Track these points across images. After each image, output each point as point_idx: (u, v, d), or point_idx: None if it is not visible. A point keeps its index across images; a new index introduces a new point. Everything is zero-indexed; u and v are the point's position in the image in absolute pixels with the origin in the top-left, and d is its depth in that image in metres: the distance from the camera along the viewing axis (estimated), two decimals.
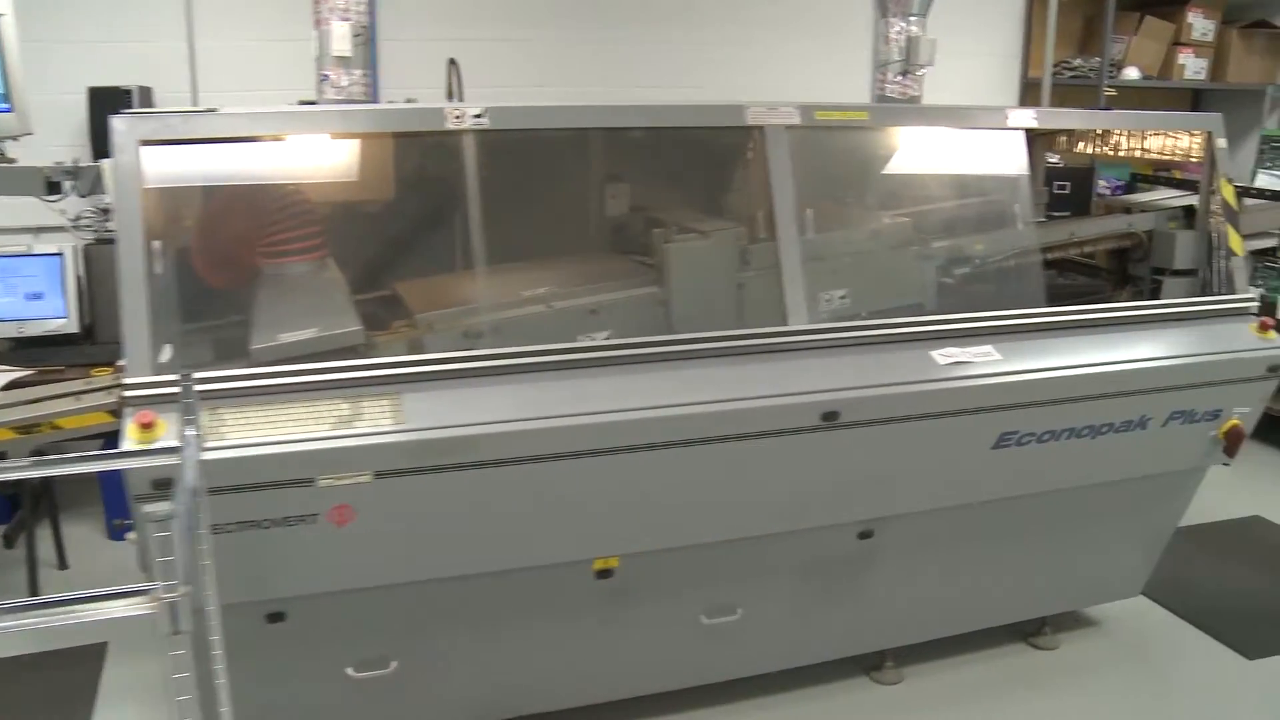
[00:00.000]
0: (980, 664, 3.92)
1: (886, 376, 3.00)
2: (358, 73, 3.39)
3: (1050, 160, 6.09)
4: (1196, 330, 3.47)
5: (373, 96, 5.45)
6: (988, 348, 3.15)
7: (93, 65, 5.05)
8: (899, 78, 3.87)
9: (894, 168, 3.43)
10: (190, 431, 2.34)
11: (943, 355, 3.10)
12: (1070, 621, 4.17)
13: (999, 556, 3.64)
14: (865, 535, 3.32)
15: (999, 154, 3.42)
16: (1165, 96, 6.88)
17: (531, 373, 2.85)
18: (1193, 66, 6.39)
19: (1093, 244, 3.77)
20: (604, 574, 3.10)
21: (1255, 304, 3.59)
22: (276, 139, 2.91)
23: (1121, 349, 3.30)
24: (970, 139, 3.45)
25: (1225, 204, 3.60)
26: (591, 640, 3.26)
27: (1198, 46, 6.38)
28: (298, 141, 2.95)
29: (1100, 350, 3.27)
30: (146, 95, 5.04)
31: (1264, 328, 3.51)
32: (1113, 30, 6.38)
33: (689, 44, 5.99)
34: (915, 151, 3.42)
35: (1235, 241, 3.60)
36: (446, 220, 3.20)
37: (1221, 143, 3.63)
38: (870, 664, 3.80)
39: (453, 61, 3.96)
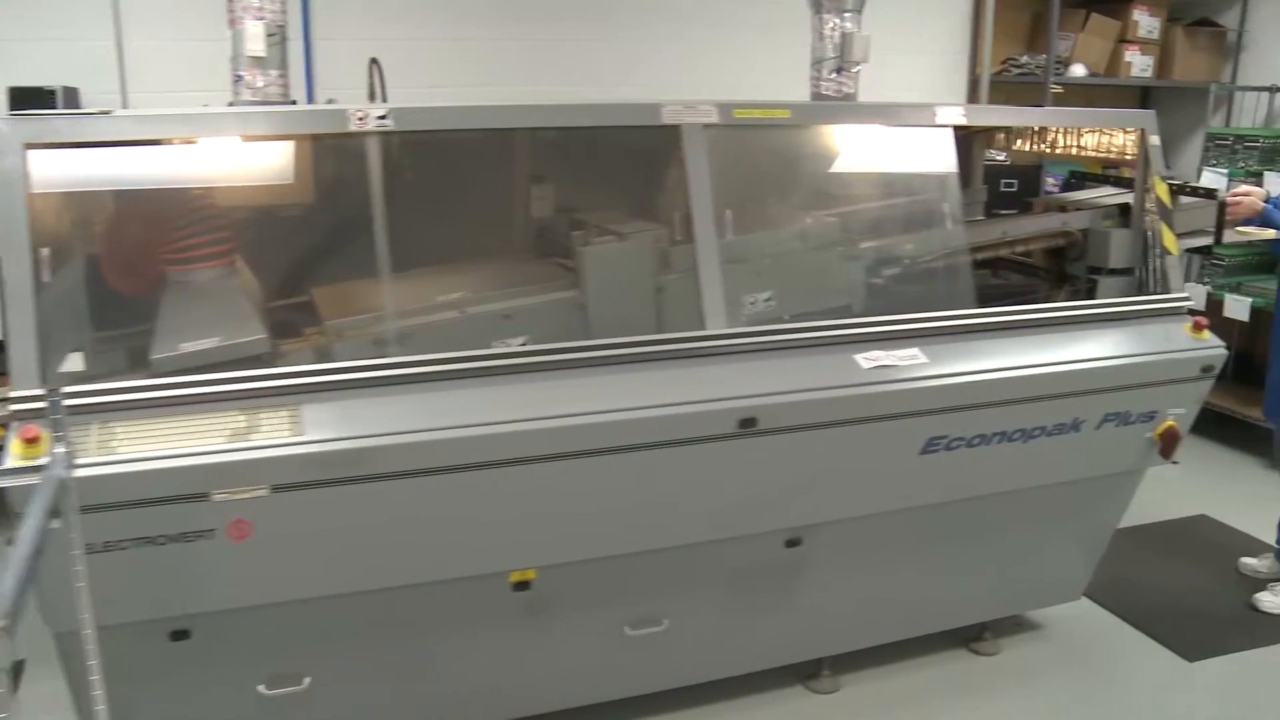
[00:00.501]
0: (919, 671, 3.83)
1: (806, 381, 2.89)
2: (274, 73, 3.26)
3: (996, 158, 6.02)
4: (1130, 331, 3.38)
5: (305, 97, 5.37)
6: (914, 350, 3.05)
7: (16, 64, 4.89)
8: (833, 75, 3.76)
9: (820, 167, 3.32)
10: (58, 449, 2.20)
11: (867, 359, 2.99)
12: (1011, 626, 4.08)
13: (935, 562, 3.55)
14: (793, 543, 3.22)
15: (928, 152, 3.32)
16: (1113, 94, 6.81)
17: (440, 381, 2.75)
18: (1139, 64, 6.32)
19: (1026, 243, 3.67)
20: (521, 586, 2.99)
21: (1190, 303, 3.50)
22: (181, 142, 2.78)
23: (1053, 350, 3.21)
24: (898, 136, 3.35)
25: (1159, 202, 3.51)
26: (512, 653, 3.14)
27: (1144, 44, 6.32)
28: (202, 145, 2.81)
29: (1031, 352, 3.18)
30: (72, 96, 4.88)
31: (1198, 327, 3.42)
32: (1060, 27, 6.31)
33: (633, 42, 5.88)
34: (842, 150, 3.31)
35: (1169, 240, 3.51)
36: (358, 225, 3.06)
37: (1155, 140, 3.54)
38: (806, 672, 3.70)
39: (374, 61, 3.83)
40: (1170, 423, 3.45)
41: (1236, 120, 6.44)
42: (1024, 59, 6.19)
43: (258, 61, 3.20)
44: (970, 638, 3.96)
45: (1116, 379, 3.25)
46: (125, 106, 5.03)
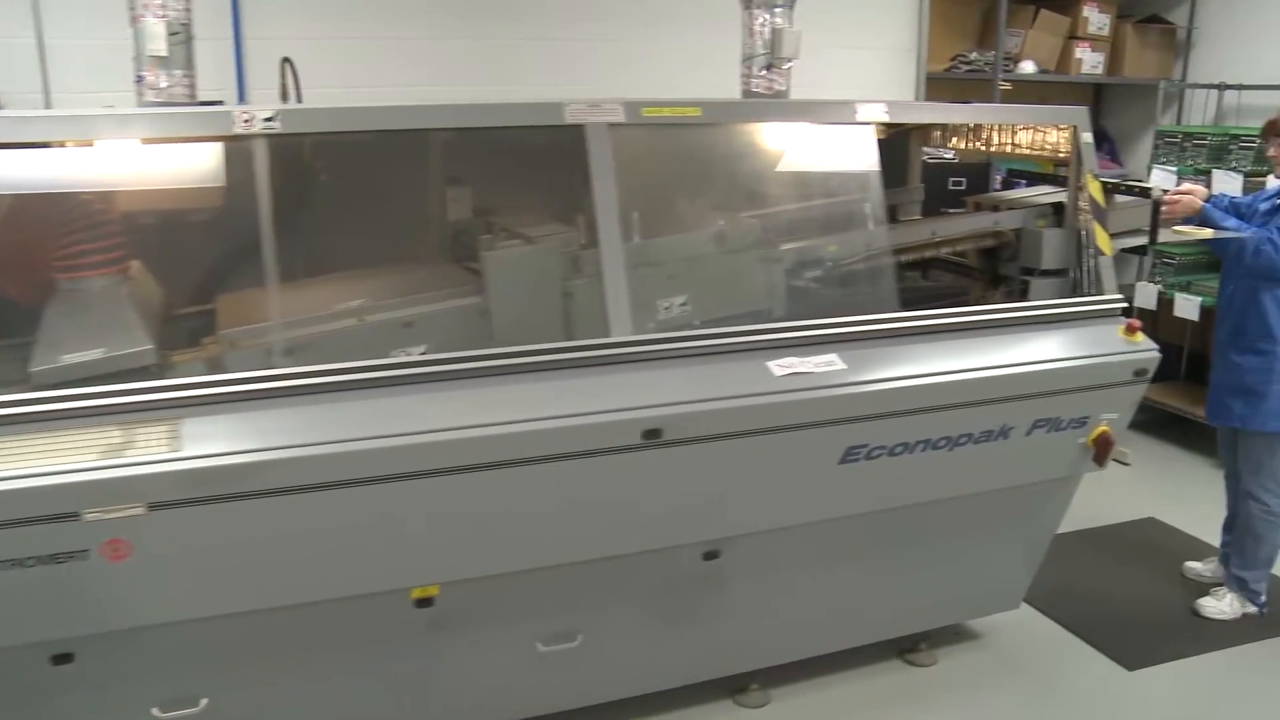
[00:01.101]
0: (853, 683, 3.69)
1: (715, 390, 2.75)
2: (179, 73, 3.08)
3: (944, 157, 5.90)
4: (1062, 334, 3.25)
5: (236, 97, 5.19)
6: (832, 356, 2.91)
7: None
8: (763, 72, 3.61)
9: (737, 167, 3.18)
10: None
11: (780, 366, 2.85)
12: (950, 636, 3.95)
13: (865, 573, 3.41)
14: (711, 556, 3.08)
15: (849, 150, 3.19)
16: (1064, 91, 6.69)
17: (334, 392, 2.60)
18: (1090, 61, 6.20)
19: (956, 244, 3.54)
20: (424, 603, 2.84)
21: (1123, 305, 3.37)
22: (75, 145, 2.62)
23: (980, 355, 3.07)
24: (819, 134, 3.20)
25: (1092, 201, 3.38)
26: (418, 672, 3.00)
27: (1094, 40, 6.20)
28: (93, 148, 2.64)
29: (956, 357, 3.04)
30: None
31: (1131, 330, 3.29)
32: (1009, 24, 6.19)
33: (573, 41, 5.71)
34: (759, 149, 3.17)
35: (1103, 240, 3.38)
36: (257, 231, 2.92)
37: (1087, 137, 3.42)
38: (735, 686, 3.56)
39: (286, 61, 3.66)
40: (1103, 428, 3.32)
41: (1187, 118, 6.33)
42: (973, 55, 6.06)
43: (160, 61, 3.03)
44: (906, 649, 3.82)
45: (1046, 384, 3.12)
46: (48, 106, 4.85)
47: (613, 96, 2.85)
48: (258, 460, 2.44)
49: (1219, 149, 5.58)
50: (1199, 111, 6.16)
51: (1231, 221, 3.86)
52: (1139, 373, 3.26)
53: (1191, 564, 4.50)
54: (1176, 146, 5.80)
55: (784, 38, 3.61)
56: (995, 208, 3.65)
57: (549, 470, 2.66)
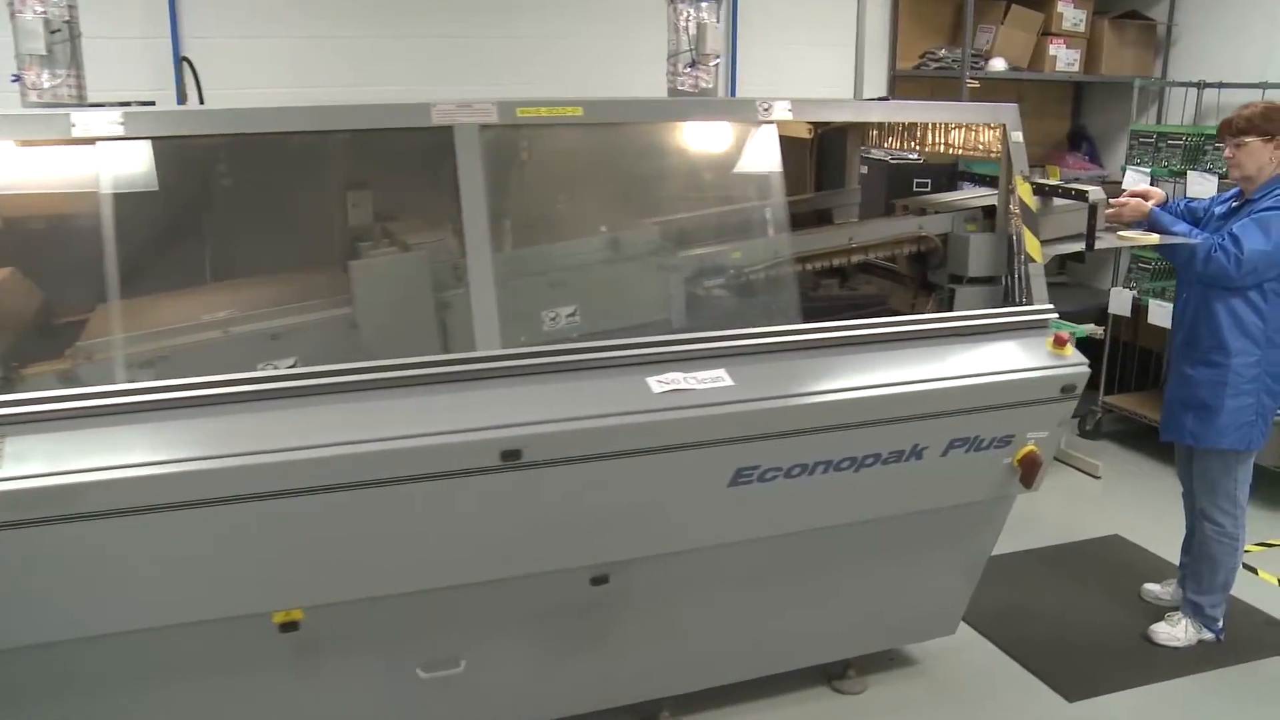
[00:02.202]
0: (774, 711, 3.45)
1: (584, 408, 2.51)
2: (63, 72, 2.89)
3: (908, 157, 5.62)
4: (984, 346, 2.98)
5: (174, 98, 5.01)
6: (719, 372, 2.67)
7: None
8: (688, 69, 3.38)
9: (629, 169, 2.94)
10: None
11: (661, 382, 2.61)
12: (884, 661, 3.69)
13: (782, 597, 3.17)
14: (599, 580, 2.85)
15: (750, 150, 2.93)
16: (1042, 89, 6.40)
17: (185, 408, 2.39)
18: (1065, 58, 5.89)
19: (876, 249, 3.27)
20: (288, 627, 2.62)
21: (1054, 315, 3.10)
22: None
23: (888, 370, 2.81)
24: (717, 134, 2.96)
25: (1022, 204, 3.11)
26: (289, 698, 2.79)
27: (1069, 37, 5.89)
28: None
29: (862, 372, 2.79)
30: None
31: (1059, 343, 3.02)
32: (981, 20, 5.91)
33: (521, 39, 5.49)
34: (653, 150, 2.92)
35: (1032, 246, 3.11)
36: (126, 238, 2.73)
37: (1017, 136, 3.15)
38: (644, 714, 3.32)
39: (185, 61, 3.46)
40: (1030, 448, 3.05)
41: (1167, 117, 6.02)
42: (942, 52, 5.77)
43: (41, 60, 2.84)
44: (835, 675, 3.57)
45: (960, 401, 2.86)
46: None
47: (487, 96, 2.62)
48: (85, 481, 2.24)
49: (1195, 149, 5.26)
50: (1180, 110, 5.84)
51: (1182, 226, 3.58)
52: (1066, 389, 2.99)
53: (1150, 586, 4.21)
54: (1151, 147, 5.48)
55: (707, 33, 3.38)
56: (922, 211, 3.38)
57: (404, 492, 2.44)
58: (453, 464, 2.45)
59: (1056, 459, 5.73)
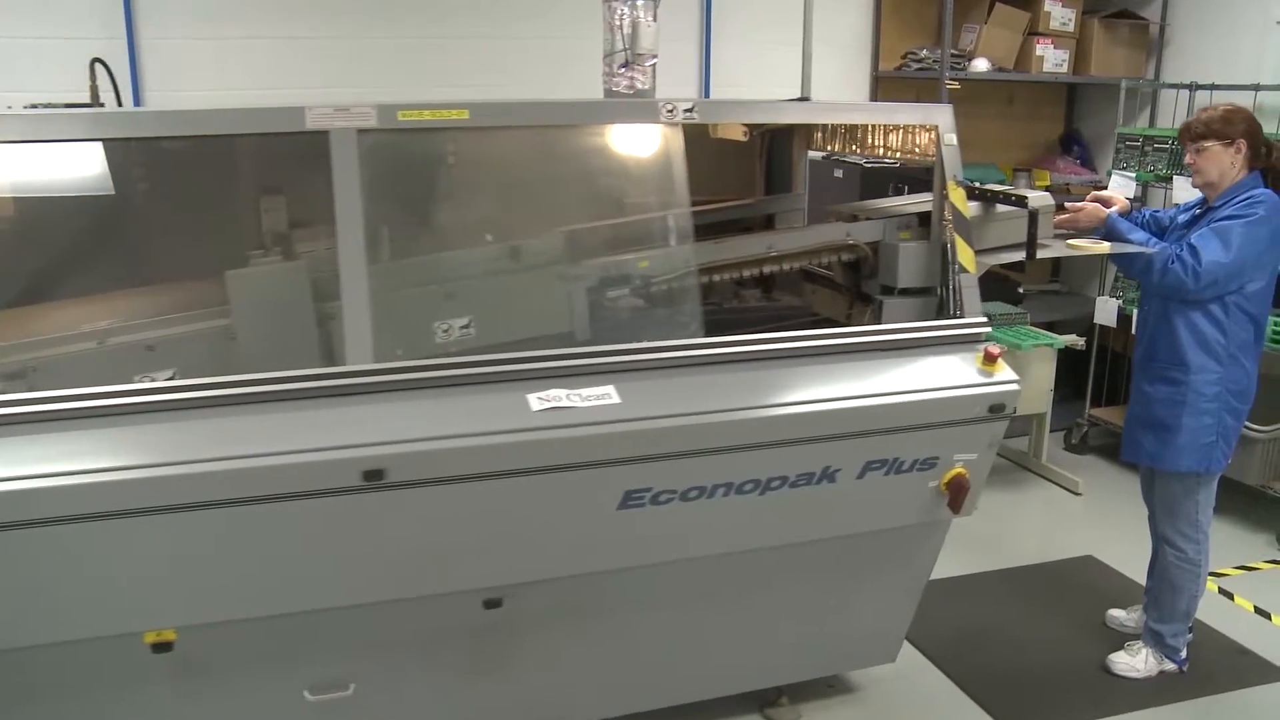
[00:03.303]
0: None
1: (452, 426, 2.34)
2: None
3: (883, 161, 5.38)
4: (908, 363, 2.77)
5: (132, 100, 4.91)
6: (607, 389, 2.48)
7: None
8: (622, 69, 3.20)
9: (524, 175, 2.76)
10: None
11: (541, 399, 2.43)
12: (821, 689, 3.48)
13: (697, 621, 2.98)
14: (493, 604, 2.67)
15: (654, 154, 2.74)
16: (1030, 91, 6.12)
17: (43, 422, 2.25)
18: (1053, 58, 5.61)
19: (799, 258, 3.06)
20: (161, 648, 2.47)
21: (987, 329, 2.88)
22: None
23: (795, 387, 2.61)
24: (618, 137, 2.76)
25: (955, 210, 2.89)
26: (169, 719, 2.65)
27: (1057, 37, 5.61)
28: None
29: (765, 389, 2.59)
30: None
31: (989, 359, 2.80)
32: (965, 19, 5.65)
33: (494, 40, 5.33)
34: (550, 154, 2.74)
35: (965, 255, 2.89)
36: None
37: (950, 138, 2.93)
38: None
39: (97, 62, 3.32)
40: (958, 470, 2.83)
41: (1159, 119, 5.73)
42: (923, 53, 5.52)
43: None
44: (766, 702, 3.37)
45: (875, 421, 2.65)
46: None
47: (367, 100, 2.45)
48: None
49: (1180, 153, 4.97)
50: (1172, 113, 5.55)
51: (1139, 235, 3.33)
52: (995, 409, 2.77)
53: (1115, 612, 3.96)
54: (1138, 150, 5.21)
55: (642, 32, 3.20)
56: (854, 217, 3.17)
57: (262, 512, 2.29)
58: (311, 484, 2.29)
59: (1037, 474, 5.48)
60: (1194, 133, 3.32)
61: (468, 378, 2.45)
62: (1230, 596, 4.20)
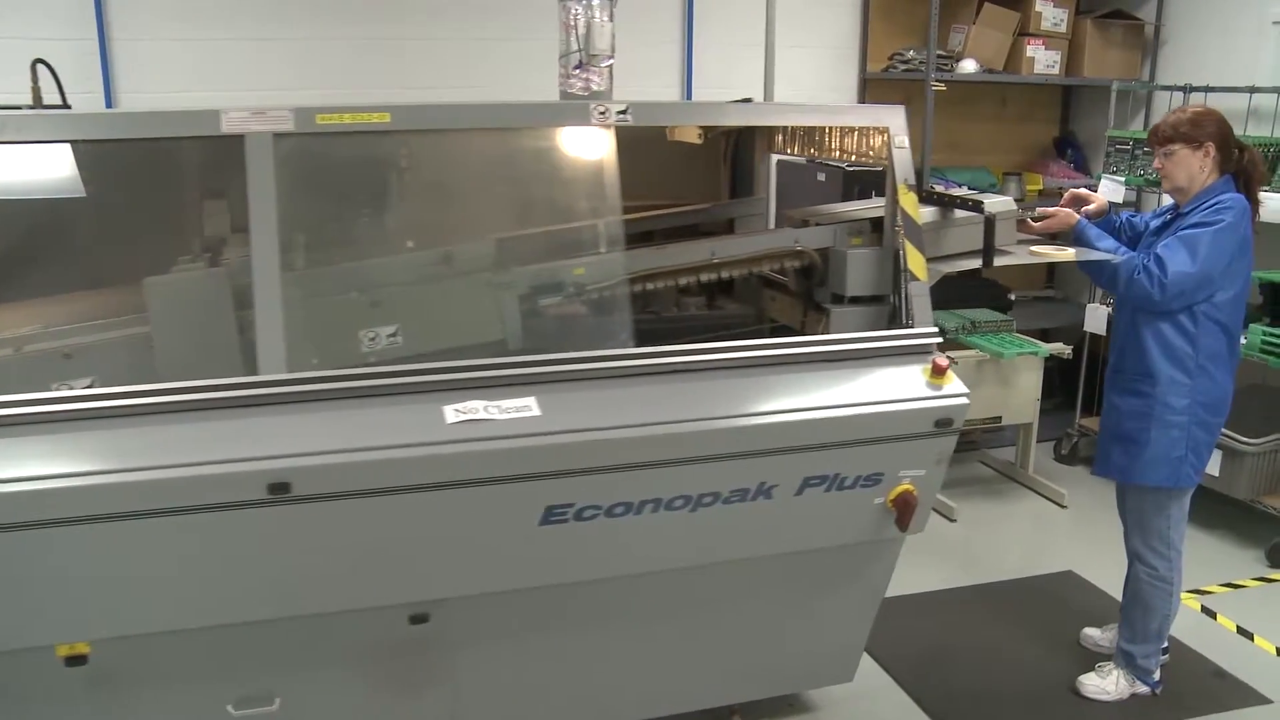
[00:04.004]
0: None
1: (362, 439, 2.26)
2: None
3: (865, 164, 5.26)
4: (850, 375, 2.66)
5: (104, 101, 4.87)
6: (528, 400, 2.39)
7: None
8: (576, 70, 3.12)
9: (450, 180, 2.67)
10: None
11: (458, 411, 2.34)
12: (780, 707, 3.38)
13: (637, 639, 2.88)
14: (419, 619, 2.59)
15: (588, 158, 2.65)
16: (1027, 93, 5.98)
17: None
18: (1044, 59, 5.47)
19: (743, 265, 2.96)
20: (74, 661, 2.40)
21: (938, 340, 2.77)
22: None
23: (726, 400, 2.51)
24: (546, 141, 2.67)
25: (905, 216, 2.78)
26: None
27: (1048, 37, 5.47)
28: None
29: (694, 401, 2.49)
30: None
31: (937, 371, 2.68)
32: (954, 20, 5.52)
33: (465, 41, 5.25)
34: (477, 159, 2.65)
35: (916, 262, 2.78)
36: None
37: (902, 141, 2.82)
38: None
39: (40, 62, 3.26)
40: (905, 487, 2.72)
41: (1153, 122, 5.57)
42: (910, 54, 5.39)
43: None
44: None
45: (811, 435, 2.54)
46: None
47: (284, 104, 2.38)
48: None
49: None
50: None
51: (1108, 242, 3.20)
52: (942, 423, 2.65)
53: (1090, 631, 3.83)
54: (1128, 154, 5.06)
55: (596, 33, 3.12)
56: (805, 222, 3.07)
57: (171, 524, 2.22)
58: (215, 497, 2.21)
59: (1024, 485, 5.35)
60: (1161, 136, 3.19)
61: (387, 388, 2.37)
62: (1213, 615, 4.05)
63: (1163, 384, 3.15)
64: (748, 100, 3.10)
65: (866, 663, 3.66)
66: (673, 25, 5.49)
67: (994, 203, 3.02)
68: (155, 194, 2.66)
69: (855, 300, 2.93)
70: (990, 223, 2.90)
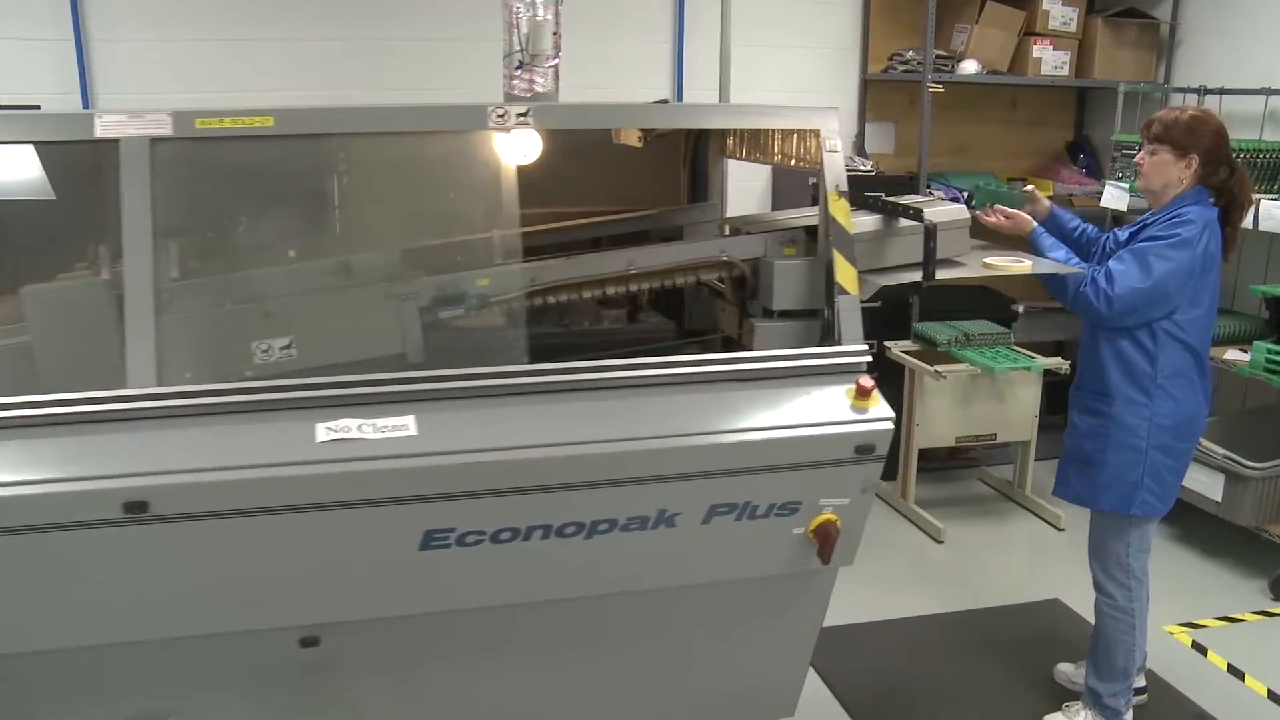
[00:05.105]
0: None
1: (225, 457, 2.16)
2: None
3: (861, 169, 5.08)
4: (770, 396, 2.49)
5: (81, 102, 4.87)
6: (407, 419, 2.27)
7: None
8: (518, 71, 3.02)
9: (339, 187, 2.55)
10: None
11: (330, 429, 2.23)
12: None
13: (550, 669, 2.74)
14: (310, 643, 2.48)
15: (481, 164, 2.52)
16: (1040, 95, 5.72)
17: None
18: (1052, 60, 5.21)
19: (663, 277, 2.80)
20: None
21: (867, 358, 2.59)
22: None
23: (622, 421, 2.36)
24: (440, 146, 2.55)
25: (835, 225, 2.62)
26: None
27: (1056, 37, 5.21)
28: None
29: (587, 422, 2.34)
30: None
31: (862, 393, 2.51)
32: (957, 19, 5.30)
33: (444, 42, 5.16)
34: (363, 164, 2.51)
35: (846, 274, 2.61)
36: None
37: (833, 144, 2.65)
38: None
39: None
40: (828, 516, 2.55)
41: None
42: (909, 54, 5.18)
43: None
44: None
45: (713, 461, 2.39)
46: None
47: (162, 107, 2.30)
48: None
49: None
50: None
51: (1060, 253, 3.00)
52: (863, 449, 2.48)
53: (1064, 666, 3.61)
54: (1131, 159, 4.80)
55: (539, 32, 3.01)
56: (737, 231, 2.91)
57: (30, 542, 2.14)
58: (71, 515, 2.13)
59: (1020, 505, 5.11)
60: (1151, 133, 2.99)
61: (265, 404, 2.27)
62: (1203, 651, 3.80)
63: (1120, 403, 2.94)
64: (664, 101, 2.95)
65: (821, 692, 3.50)
66: (664, 23, 5.35)
67: (939, 211, 2.84)
68: (42, 199, 2.59)
69: (785, 314, 2.76)
70: (930, 233, 2.71)
